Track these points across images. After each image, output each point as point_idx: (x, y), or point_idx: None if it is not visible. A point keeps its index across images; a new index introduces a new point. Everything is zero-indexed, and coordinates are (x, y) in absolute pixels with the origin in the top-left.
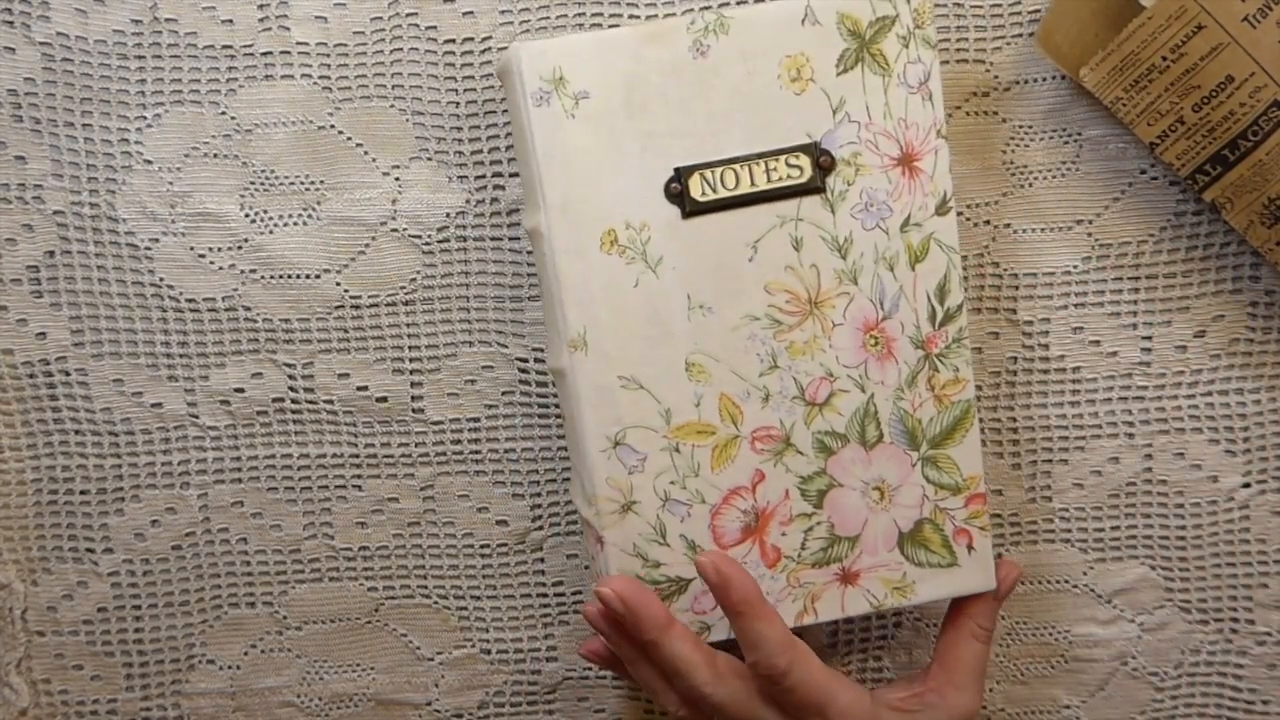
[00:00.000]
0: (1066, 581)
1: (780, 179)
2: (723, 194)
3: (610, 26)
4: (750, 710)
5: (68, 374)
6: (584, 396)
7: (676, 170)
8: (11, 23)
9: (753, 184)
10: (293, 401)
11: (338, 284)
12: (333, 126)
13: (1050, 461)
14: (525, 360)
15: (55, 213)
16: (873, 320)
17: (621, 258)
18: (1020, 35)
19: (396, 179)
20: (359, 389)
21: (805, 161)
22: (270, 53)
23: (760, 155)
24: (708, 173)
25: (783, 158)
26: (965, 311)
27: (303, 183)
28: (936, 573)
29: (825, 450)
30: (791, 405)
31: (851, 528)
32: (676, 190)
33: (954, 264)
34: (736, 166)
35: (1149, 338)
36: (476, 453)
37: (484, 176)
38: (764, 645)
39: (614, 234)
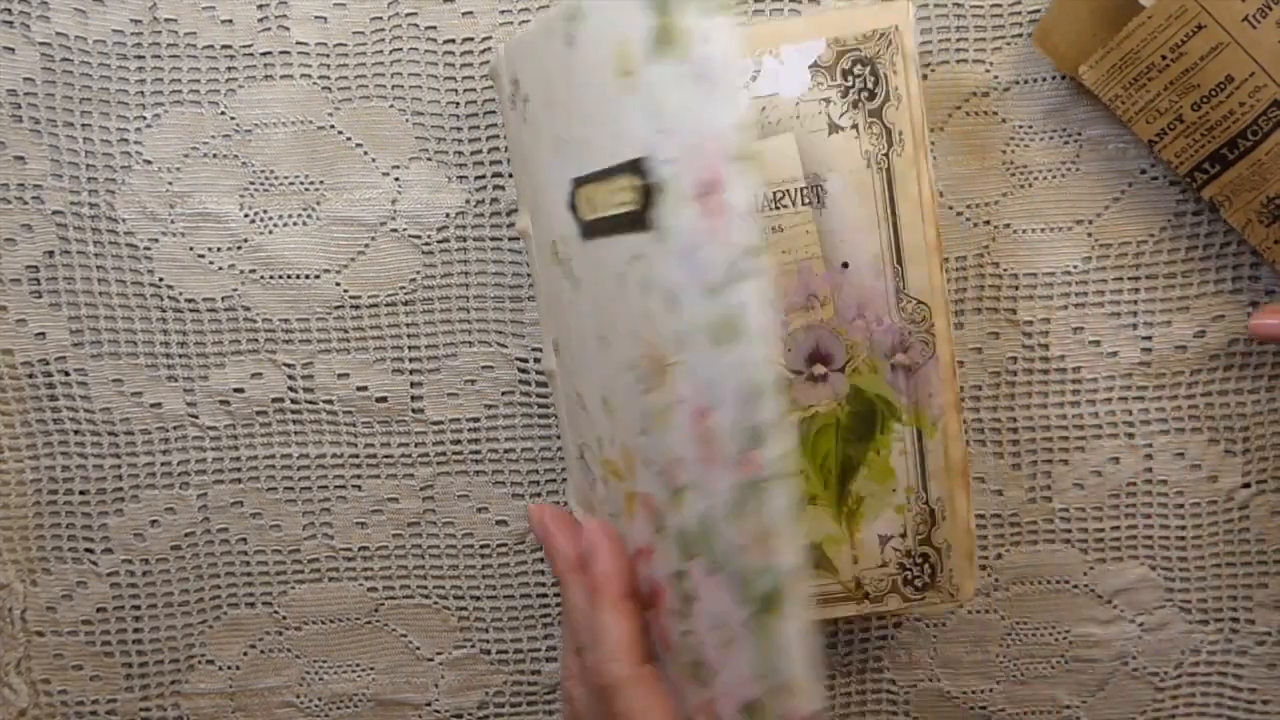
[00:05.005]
0: (1066, 581)
1: (623, 203)
2: (592, 216)
3: None
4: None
5: (67, 374)
6: (563, 400)
7: (573, 182)
8: (11, 23)
9: (605, 208)
10: (292, 401)
11: (338, 284)
12: (333, 126)
13: (1050, 461)
14: (525, 360)
15: (55, 213)
16: (702, 406)
17: (560, 269)
18: (1020, 35)
19: (396, 179)
20: (359, 389)
21: (631, 184)
22: (270, 53)
23: (604, 174)
24: (587, 188)
25: (623, 178)
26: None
27: (303, 183)
28: None
29: (686, 552)
30: (659, 480)
31: (711, 659)
32: (573, 205)
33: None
34: (593, 184)
35: (1149, 338)
36: (476, 453)
37: (484, 176)
38: (604, 644)
39: (555, 246)
